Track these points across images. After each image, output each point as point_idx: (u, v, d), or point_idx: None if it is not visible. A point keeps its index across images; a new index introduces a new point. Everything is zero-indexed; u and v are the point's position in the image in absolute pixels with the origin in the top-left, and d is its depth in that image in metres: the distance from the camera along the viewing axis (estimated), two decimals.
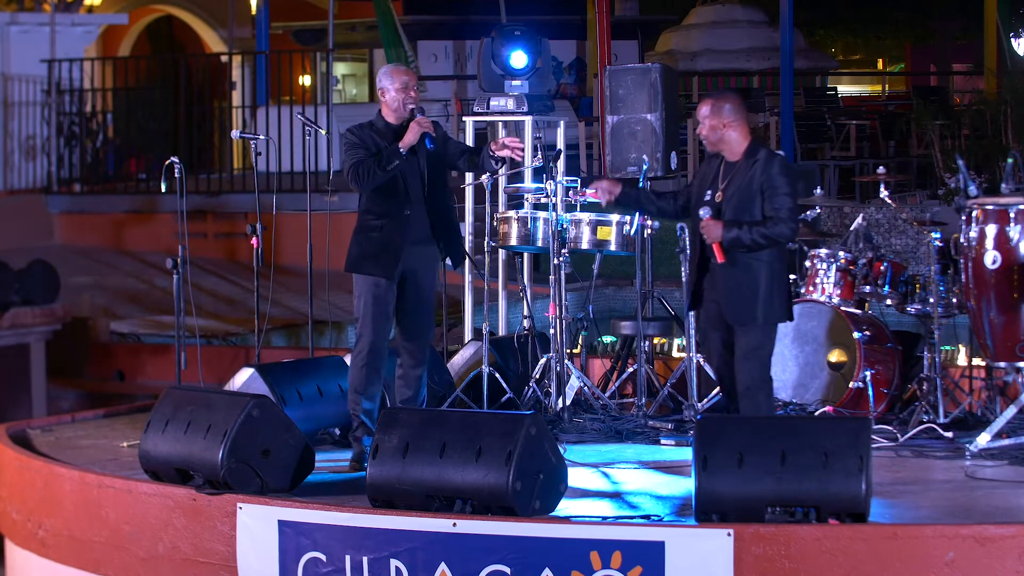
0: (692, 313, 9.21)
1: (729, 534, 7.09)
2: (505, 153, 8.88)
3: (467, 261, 10.62)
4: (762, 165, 8.28)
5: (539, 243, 9.97)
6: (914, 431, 9.16)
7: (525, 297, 10.33)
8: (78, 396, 13.93)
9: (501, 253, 10.85)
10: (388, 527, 7.50)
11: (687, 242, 10.06)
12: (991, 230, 8.85)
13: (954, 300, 9.52)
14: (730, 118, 8.33)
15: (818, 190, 10.57)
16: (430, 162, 8.84)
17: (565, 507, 7.77)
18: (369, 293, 8.81)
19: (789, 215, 8.23)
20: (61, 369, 14.25)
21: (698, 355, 9.73)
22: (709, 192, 8.36)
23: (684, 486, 8.04)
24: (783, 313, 8.41)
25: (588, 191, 9.21)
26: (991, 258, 8.83)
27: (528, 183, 10.64)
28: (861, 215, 10.44)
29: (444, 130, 9.13)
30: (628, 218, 9.93)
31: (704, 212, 8.31)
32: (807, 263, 10.09)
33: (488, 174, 9.45)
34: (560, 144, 11.00)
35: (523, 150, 8.96)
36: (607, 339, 12.02)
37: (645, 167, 10.35)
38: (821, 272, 9.99)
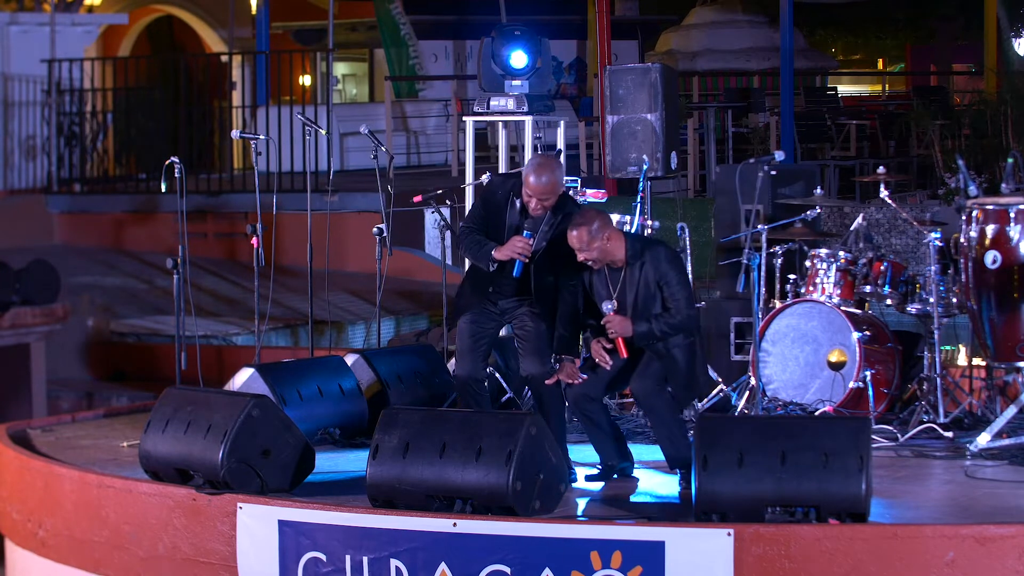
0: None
1: (729, 534, 7.10)
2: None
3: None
4: (651, 263, 8.24)
5: None
6: (914, 431, 9.16)
7: None
8: (78, 396, 13.93)
9: None
10: (388, 527, 7.50)
11: (687, 242, 10.09)
12: (991, 230, 8.85)
13: (954, 300, 9.51)
14: (605, 232, 8.18)
15: (818, 190, 10.57)
16: (539, 262, 8.33)
17: (565, 507, 7.77)
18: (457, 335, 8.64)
19: (687, 303, 8.25)
20: (61, 369, 14.25)
21: None
22: (607, 302, 8.24)
23: None
24: (703, 388, 8.68)
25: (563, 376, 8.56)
26: (991, 258, 8.83)
27: None
28: (861, 215, 10.44)
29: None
30: (628, 218, 9.94)
31: (607, 307, 8.23)
32: (807, 263, 10.09)
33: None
34: (560, 144, 11.01)
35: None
36: None
37: (645, 167, 10.34)
38: (821, 272, 9.98)
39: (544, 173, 8.21)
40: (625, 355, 8.27)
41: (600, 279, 8.38)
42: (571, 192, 10.02)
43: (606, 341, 8.33)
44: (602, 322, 8.28)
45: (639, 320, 8.23)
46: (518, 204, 8.31)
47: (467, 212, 8.54)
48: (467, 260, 8.67)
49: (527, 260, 8.27)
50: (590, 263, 8.24)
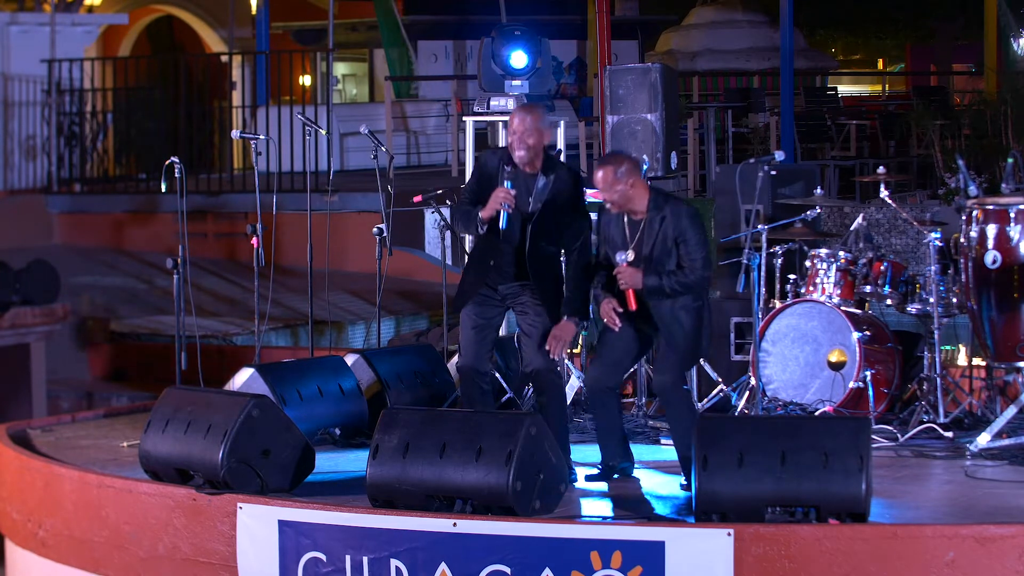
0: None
1: (729, 534, 7.10)
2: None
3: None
4: (672, 219, 8.23)
5: None
6: (914, 431, 9.16)
7: None
8: (78, 396, 13.93)
9: None
10: (388, 527, 7.50)
11: None
12: (991, 230, 8.85)
13: (954, 300, 9.52)
14: (631, 177, 8.22)
15: (818, 190, 10.57)
16: (538, 223, 8.31)
17: (565, 507, 7.77)
18: (461, 324, 8.60)
19: (703, 264, 8.23)
20: (61, 369, 14.25)
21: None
22: (621, 252, 8.23)
23: None
24: (704, 352, 8.52)
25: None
26: (991, 258, 8.83)
27: None
28: (861, 215, 10.45)
29: (575, 201, 8.42)
30: None
31: (621, 258, 8.21)
32: (807, 263, 10.09)
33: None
34: (560, 144, 11.00)
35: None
36: None
37: (645, 167, 10.33)
38: (821, 272, 9.98)
39: (526, 112, 8.30)
40: (634, 307, 8.21)
41: (617, 228, 8.35)
42: None
43: (617, 303, 8.28)
44: (614, 272, 8.24)
45: (651, 274, 8.19)
46: (507, 170, 8.29)
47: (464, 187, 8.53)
48: (466, 245, 8.61)
49: (511, 210, 8.23)
50: (608, 205, 8.25)
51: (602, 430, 8.53)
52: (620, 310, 8.31)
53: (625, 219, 8.33)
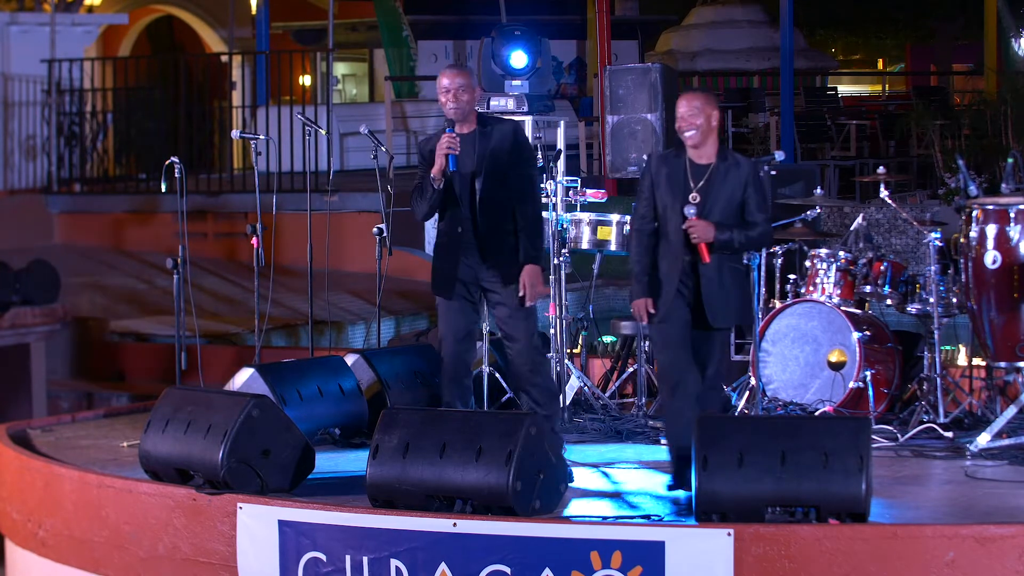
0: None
1: (729, 534, 7.09)
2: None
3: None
4: (743, 169, 8.15)
5: None
6: (914, 431, 9.17)
7: None
8: (78, 396, 13.92)
9: None
10: (388, 527, 7.50)
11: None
12: (991, 230, 8.86)
13: (954, 300, 9.52)
14: (715, 121, 8.18)
15: (818, 190, 10.57)
16: (487, 178, 8.40)
17: (565, 507, 7.77)
18: (439, 310, 8.68)
19: (766, 221, 8.19)
20: (61, 369, 14.24)
21: None
22: (689, 206, 8.09)
23: None
24: (749, 316, 8.62)
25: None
26: (991, 258, 8.84)
27: None
28: (861, 215, 10.45)
29: (519, 152, 8.48)
30: (628, 218, 9.93)
31: (690, 211, 8.08)
32: (807, 263, 10.09)
33: None
34: (560, 144, 11.00)
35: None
36: (607, 339, 12.02)
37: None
38: (821, 272, 9.98)
39: (455, 71, 8.55)
40: (707, 260, 8.08)
41: (677, 171, 8.18)
42: (571, 192, 10.05)
43: (652, 305, 8.17)
44: (684, 226, 8.07)
45: (721, 225, 8.05)
46: (449, 130, 8.40)
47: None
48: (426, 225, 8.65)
49: (457, 152, 8.32)
50: (687, 132, 8.12)
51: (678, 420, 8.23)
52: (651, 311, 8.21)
53: (687, 164, 8.21)
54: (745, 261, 8.40)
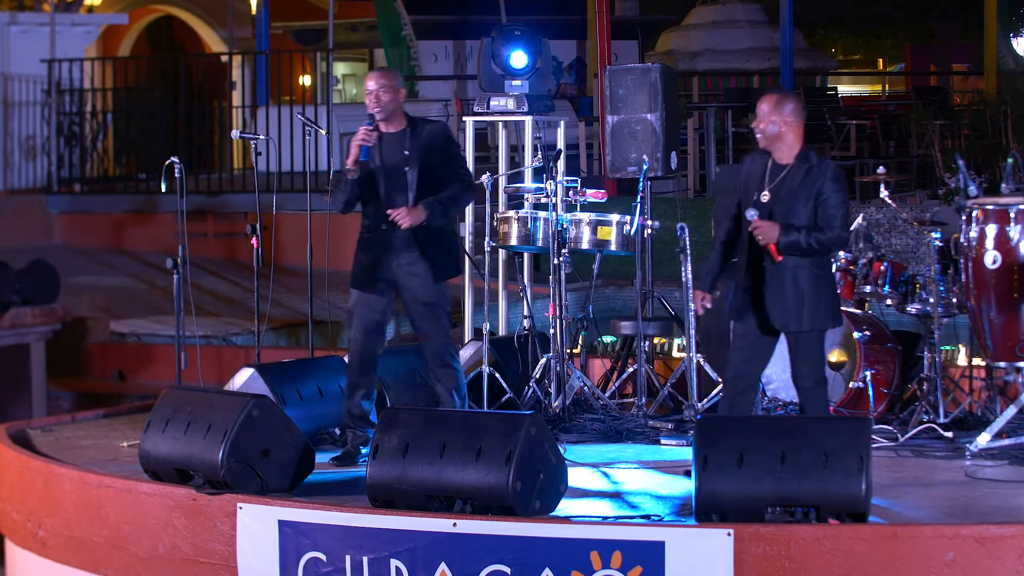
0: (733, 322, 8.51)
1: (729, 534, 7.09)
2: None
3: (467, 262, 10.63)
4: (817, 171, 8.13)
5: (539, 243, 9.98)
6: (914, 431, 9.16)
7: (525, 297, 10.33)
8: (78, 396, 13.93)
9: (501, 253, 10.85)
10: (388, 527, 7.50)
11: (687, 242, 10.06)
12: (991, 230, 8.86)
13: (954, 300, 9.51)
14: (791, 118, 8.13)
15: None
16: (421, 173, 8.74)
17: (565, 507, 7.77)
18: (352, 304, 8.93)
19: (843, 223, 8.10)
20: (61, 369, 14.25)
21: (698, 355, 9.75)
22: (750, 210, 8.10)
23: (684, 486, 8.04)
24: (830, 320, 8.22)
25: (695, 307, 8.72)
26: (991, 258, 8.83)
27: (528, 183, 10.64)
28: (861, 215, 10.44)
29: (448, 148, 8.91)
30: (628, 218, 9.94)
31: (751, 214, 8.06)
32: None
33: None
34: (560, 144, 11.00)
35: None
36: (607, 339, 12.02)
37: (645, 167, 10.34)
38: None
39: (380, 73, 8.91)
40: (779, 258, 8.04)
41: (758, 170, 8.21)
42: (571, 192, 10.05)
43: (710, 299, 8.33)
44: (750, 228, 8.08)
45: (788, 227, 8.03)
46: (369, 124, 8.70)
47: None
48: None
49: (370, 143, 8.65)
50: (758, 135, 8.14)
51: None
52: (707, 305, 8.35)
53: (769, 163, 8.21)
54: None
